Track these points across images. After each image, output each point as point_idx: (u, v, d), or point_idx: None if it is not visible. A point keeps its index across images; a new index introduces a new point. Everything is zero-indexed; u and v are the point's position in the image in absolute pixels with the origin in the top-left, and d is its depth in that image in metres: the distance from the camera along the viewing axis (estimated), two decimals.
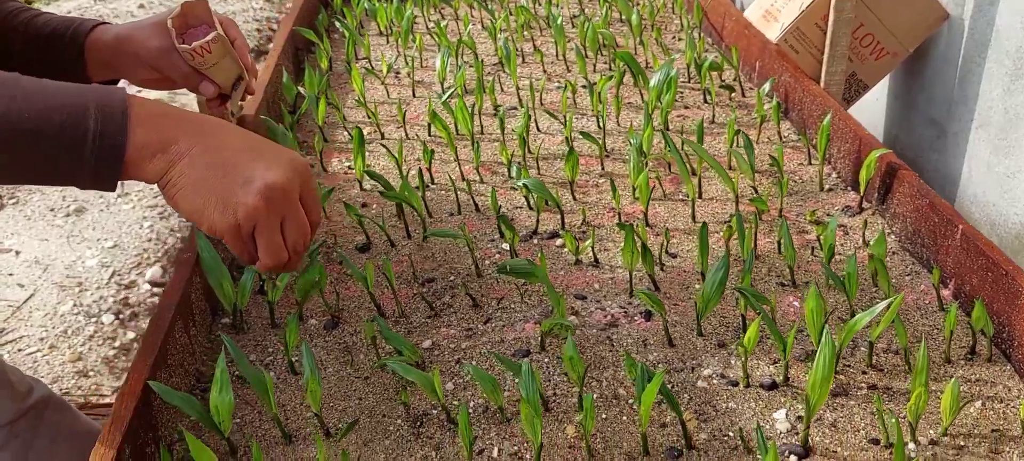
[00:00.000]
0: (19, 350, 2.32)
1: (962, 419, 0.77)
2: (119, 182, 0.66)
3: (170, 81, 0.99)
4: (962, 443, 0.75)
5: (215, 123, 0.71)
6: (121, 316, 2.60)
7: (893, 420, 0.70)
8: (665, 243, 1.02)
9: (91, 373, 2.40)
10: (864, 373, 0.83)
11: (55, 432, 1.00)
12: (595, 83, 1.41)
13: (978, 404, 0.78)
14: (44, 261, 2.88)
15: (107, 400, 2.22)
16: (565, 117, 1.31)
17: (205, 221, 0.68)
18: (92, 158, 0.64)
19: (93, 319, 2.58)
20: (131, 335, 2.54)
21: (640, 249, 0.92)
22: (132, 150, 0.65)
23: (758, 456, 0.74)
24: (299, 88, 1.42)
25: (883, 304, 0.78)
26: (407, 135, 1.35)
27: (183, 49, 0.93)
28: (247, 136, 0.71)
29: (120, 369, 2.40)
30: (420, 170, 1.15)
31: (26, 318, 2.54)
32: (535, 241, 1.07)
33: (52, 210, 3.14)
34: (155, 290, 2.72)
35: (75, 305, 2.65)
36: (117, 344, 2.49)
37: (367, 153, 1.26)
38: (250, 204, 0.67)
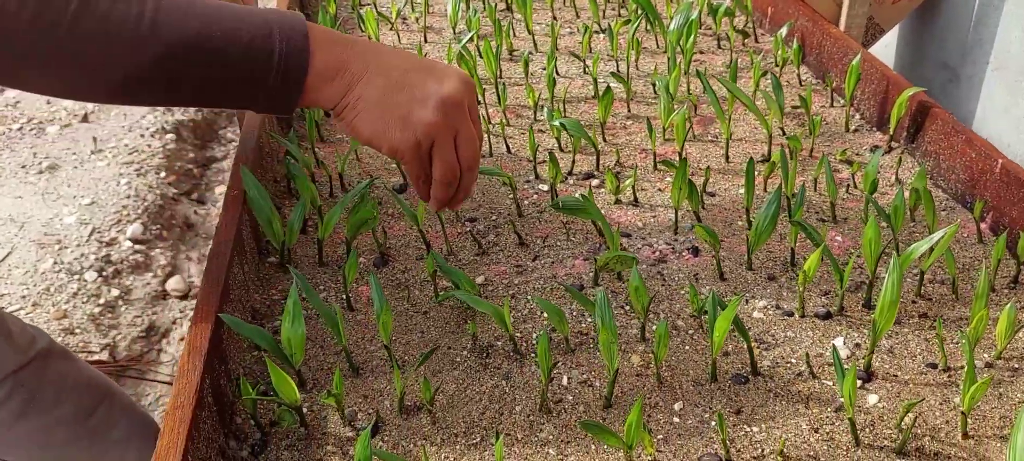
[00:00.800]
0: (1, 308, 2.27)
1: (1013, 344, 0.79)
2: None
3: None
4: (1016, 366, 0.77)
5: (380, 45, 0.71)
6: (104, 274, 2.56)
7: (963, 340, 0.72)
8: (705, 182, 1.02)
9: (78, 331, 2.36)
10: (914, 302, 0.85)
11: (60, 382, 0.98)
12: (610, 28, 1.40)
13: None
14: (19, 219, 2.81)
15: (97, 356, 2.19)
16: (590, 60, 1.30)
17: (386, 142, 0.69)
18: (277, 79, 0.64)
19: (75, 276, 2.53)
20: (115, 292, 2.50)
21: (688, 186, 0.93)
22: (313, 74, 0.65)
23: (822, 380, 0.76)
24: None
25: (939, 233, 0.80)
26: None
27: None
28: (412, 55, 0.72)
29: (107, 326, 2.36)
30: None
31: (5, 276, 2.48)
32: (571, 182, 1.07)
33: (23, 167, 3.06)
34: (137, 247, 2.67)
35: (56, 263, 2.60)
36: (102, 301, 2.45)
37: None
38: (429, 120, 0.68)
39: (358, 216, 0.89)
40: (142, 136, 3.25)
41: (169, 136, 3.26)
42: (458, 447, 0.70)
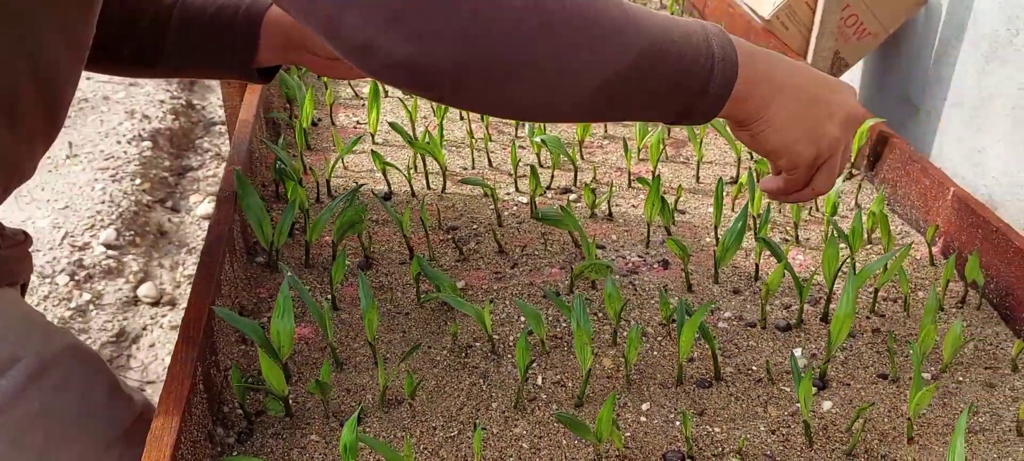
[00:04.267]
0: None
1: (958, 358, 0.85)
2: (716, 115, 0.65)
3: (347, 71, 0.97)
4: (961, 378, 0.83)
5: (783, 57, 0.70)
6: (76, 277, 2.56)
7: (912, 351, 0.77)
8: (676, 199, 1.08)
9: None
10: (868, 318, 0.91)
11: None
12: None
13: (971, 345, 0.87)
14: None
15: None
16: None
17: (790, 154, 0.70)
18: (715, 86, 0.61)
19: (47, 279, 2.53)
20: (87, 297, 2.50)
21: (660, 203, 0.98)
22: (740, 82, 0.63)
23: (780, 386, 0.81)
24: None
25: (894, 252, 0.86)
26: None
27: None
28: (811, 69, 0.72)
29: (77, 330, 2.36)
30: (440, 124, 1.18)
31: None
32: (549, 195, 1.12)
33: None
34: (110, 253, 2.68)
35: None
36: (73, 305, 2.45)
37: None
38: (835, 135, 0.70)
39: (345, 219, 0.93)
40: (118, 142, 3.25)
41: (145, 143, 3.26)
42: (436, 438, 0.73)
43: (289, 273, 0.80)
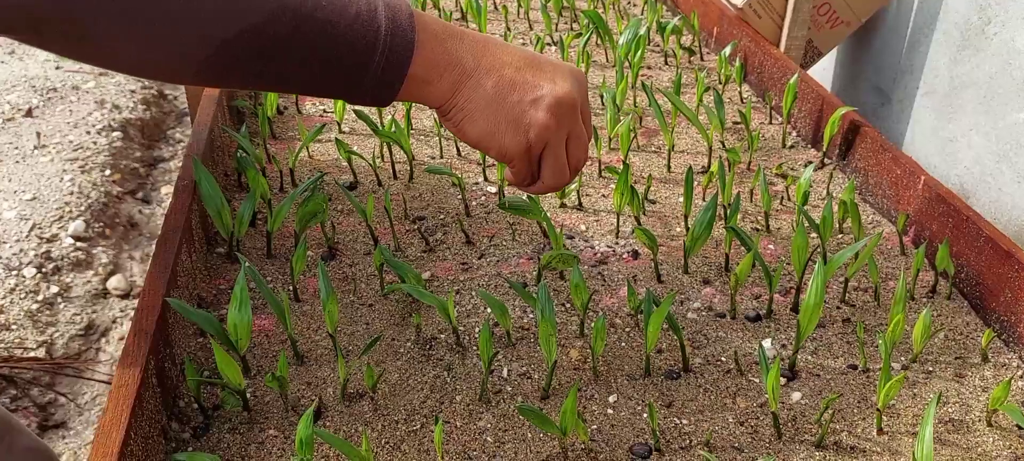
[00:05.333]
0: None
1: (928, 348, 0.84)
2: (394, 100, 0.60)
3: None
4: (930, 368, 0.82)
5: (489, 38, 0.64)
6: (44, 270, 2.51)
7: (881, 342, 0.76)
8: (646, 189, 1.06)
9: (14, 327, 2.32)
10: (838, 308, 0.90)
11: (9, 450, 0.92)
12: (561, 40, 1.44)
13: (942, 335, 0.86)
14: None
15: (33, 353, 2.16)
16: None
17: (495, 145, 0.64)
18: (382, 61, 0.57)
19: (13, 272, 2.48)
20: (55, 289, 2.45)
21: (630, 192, 0.97)
22: (419, 63, 0.58)
23: (749, 378, 0.80)
24: None
25: (862, 242, 0.85)
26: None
27: None
28: (522, 50, 0.66)
29: (44, 323, 2.32)
30: (407, 113, 1.16)
31: None
32: None
33: None
34: (78, 245, 2.63)
35: None
36: (40, 298, 2.40)
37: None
38: (542, 122, 0.63)
39: (307, 209, 0.90)
40: (88, 133, 3.20)
41: (116, 134, 3.21)
42: (398, 432, 0.72)
43: (246, 264, 0.78)
